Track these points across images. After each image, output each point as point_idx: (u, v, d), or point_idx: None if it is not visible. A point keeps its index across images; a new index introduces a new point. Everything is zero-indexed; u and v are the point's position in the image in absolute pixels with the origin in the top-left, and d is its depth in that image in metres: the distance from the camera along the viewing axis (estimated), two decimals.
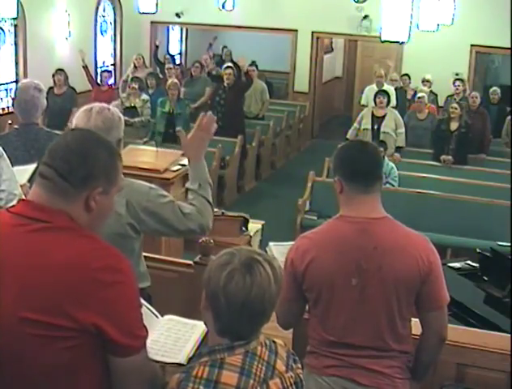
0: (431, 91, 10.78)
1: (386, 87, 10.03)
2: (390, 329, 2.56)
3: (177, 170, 5.58)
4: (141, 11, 11.98)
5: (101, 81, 10.37)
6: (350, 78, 15.63)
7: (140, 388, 1.85)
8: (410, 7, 7.83)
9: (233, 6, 12.76)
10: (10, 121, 7.87)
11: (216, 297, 1.85)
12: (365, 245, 2.51)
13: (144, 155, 6.16)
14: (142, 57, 11.31)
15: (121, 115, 2.94)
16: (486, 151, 9.10)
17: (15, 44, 10.32)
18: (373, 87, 10.18)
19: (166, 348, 2.43)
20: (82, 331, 1.72)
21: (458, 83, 10.43)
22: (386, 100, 8.68)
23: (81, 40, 11.36)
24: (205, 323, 1.98)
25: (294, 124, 11.89)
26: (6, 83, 10.30)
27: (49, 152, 1.84)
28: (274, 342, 1.98)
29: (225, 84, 9.26)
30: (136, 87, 9.25)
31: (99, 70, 11.78)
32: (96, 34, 12.06)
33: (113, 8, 12.66)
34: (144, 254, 3.09)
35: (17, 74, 10.33)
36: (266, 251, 3.38)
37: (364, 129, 8.71)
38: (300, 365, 2.05)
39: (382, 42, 8.46)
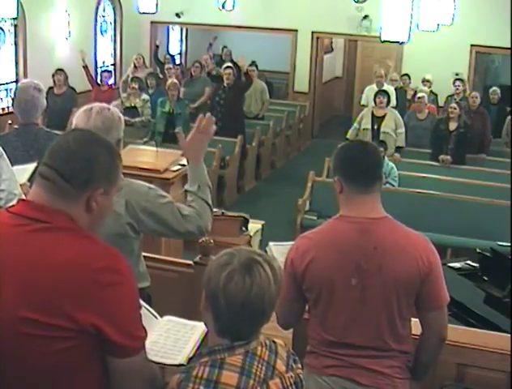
0: (431, 91, 10.77)
1: (386, 87, 10.01)
2: (389, 329, 2.56)
3: (177, 170, 5.58)
4: (141, 11, 11.99)
5: (101, 81, 10.37)
6: (350, 78, 15.62)
7: None
8: (410, 7, 7.81)
9: (233, 6, 12.75)
10: (10, 121, 7.87)
11: (216, 298, 1.85)
12: (365, 246, 2.51)
13: (144, 155, 6.16)
14: (143, 57, 11.30)
15: (121, 115, 2.94)
16: (486, 151, 9.10)
17: (15, 44, 10.31)
18: (373, 87, 10.16)
19: (165, 349, 2.42)
20: (81, 332, 1.72)
21: (458, 83, 10.42)
22: (386, 100, 8.68)
23: (81, 40, 11.35)
24: (205, 324, 1.98)
25: (294, 124, 11.88)
26: (6, 83, 10.29)
27: (50, 153, 1.83)
28: (274, 342, 1.98)
29: (225, 84, 9.26)
30: (136, 87, 9.24)
31: (99, 70, 11.79)
32: (96, 34, 12.06)
33: (113, 8, 12.65)
34: (144, 254, 3.09)
35: (17, 74, 10.32)
36: (266, 251, 3.38)
37: (364, 129, 8.71)
38: (300, 365, 2.05)
39: (382, 42, 8.45)
